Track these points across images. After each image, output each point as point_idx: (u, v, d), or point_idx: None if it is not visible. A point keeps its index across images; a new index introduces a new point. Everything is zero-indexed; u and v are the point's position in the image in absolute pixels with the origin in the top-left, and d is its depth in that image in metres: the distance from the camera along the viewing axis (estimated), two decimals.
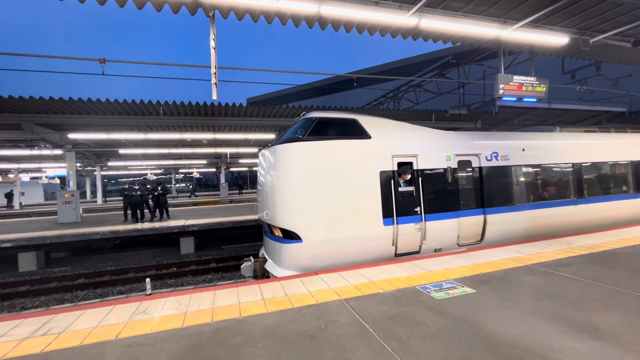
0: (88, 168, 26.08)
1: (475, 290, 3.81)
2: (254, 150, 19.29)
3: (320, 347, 2.70)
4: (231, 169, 34.96)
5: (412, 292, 3.87)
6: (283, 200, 5.33)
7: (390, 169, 5.68)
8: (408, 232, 5.69)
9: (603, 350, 2.50)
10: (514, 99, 7.76)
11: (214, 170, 32.85)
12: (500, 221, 6.50)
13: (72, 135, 12.34)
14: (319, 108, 10.80)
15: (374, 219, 5.47)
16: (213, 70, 5.55)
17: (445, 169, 6.15)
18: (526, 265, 4.72)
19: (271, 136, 14.28)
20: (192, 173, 33.97)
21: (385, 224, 5.52)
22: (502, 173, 6.70)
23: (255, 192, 14.36)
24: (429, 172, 6.00)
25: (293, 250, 5.23)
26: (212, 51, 5.55)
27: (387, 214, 5.54)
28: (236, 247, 11.83)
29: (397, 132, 6.11)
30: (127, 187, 12.36)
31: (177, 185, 39.83)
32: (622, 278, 4.04)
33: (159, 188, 12.63)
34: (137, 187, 12.15)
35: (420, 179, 5.89)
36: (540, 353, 2.50)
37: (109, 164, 24.56)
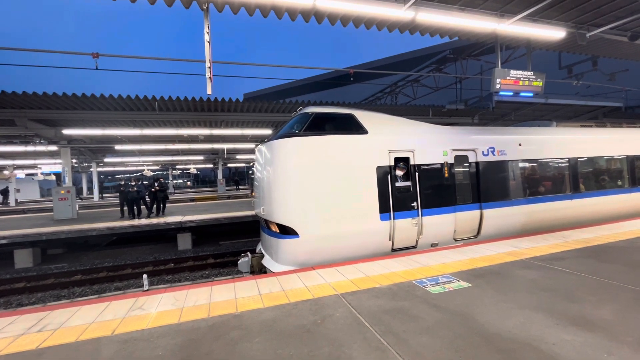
0: (84, 164, 25.92)
1: (471, 285, 3.84)
2: (251, 146, 19.19)
3: (316, 341, 2.71)
4: (228, 165, 34.85)
5: (409, 286, 3.89)
6: (279, 195, 5.32)
7: (387, 164, 5.68)
8: (405, 227, 5.71)
9: (596, 342, 2.53)
10: (511, 93, 7.75)
11: (211, 166, 32.74)
12: (497, 216, 6.53)
13: (66, 131, 12.22)
14: (316, 103, 10.74)
15: (371, 214, 5.48)
16: (207, 64, 5.50)
17: (442, 164, 6.16)
18: (522, 259, 4.75)
19: (268, 132, 14.21)
20: (189, 169, 33.85)
21: (382, 219, 5.53)
22: (499, 168, 6.71)
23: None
24: (425, 167, 6.01)
25: (290, 245, 5.23)
26: (207, 45, 5.49)
27: (383, 209, 5.55)
28: (234, 243, 11.83)
29: (394, 127, 6.10)
30: (122, 183, 12.31)
31: (175, 181, 39.69)
32: (616, 271, 4.08)
33: (156, 184, 12.58)
34: (133, 184, 12.09)
35: (417, 174, 5.89)
36: (534, 345, 2.52)
37: (105, 160, 24.37)
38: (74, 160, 21.59)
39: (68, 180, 13.68)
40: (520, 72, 7.75)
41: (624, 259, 4.57)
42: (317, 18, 6.48)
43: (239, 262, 6.23)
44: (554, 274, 4.10)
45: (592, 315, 2.96)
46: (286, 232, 5.24)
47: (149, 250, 11.41)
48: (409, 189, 5.84)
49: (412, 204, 5.80)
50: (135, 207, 12.12)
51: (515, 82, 7.68)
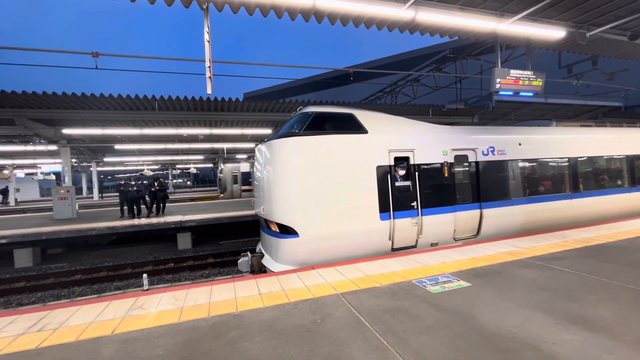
0: (84, 164, 25.88)
1: (471, 284, 3.84)
2: (251, 145, 19.18)
3: (316, 341, 2.71)
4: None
5: (408, 286, 3.89)
6: (279, 195, 5.32)
7: (387, 163, 5.68)
8: (404, 226, 5.71)
9: (596, 342, 2.53)
10: (511, 93, 7.74)
11: (211, 165, 32.73)
12: (497, 215, 6.53)
13: (66, 131, 12.22)
14: (316, 103, 10.73)
15: (371, 214, 5.48)
16: (207, 64, 5.49)
17: (442, 164, 6.16)
18: (521, 259, 4.76)
19: (268, 131, 14.20)
20: (189, 169, 33.83)
21: (382, 218, 5.53)
22: (499, 167, 6.71)
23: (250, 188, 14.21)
24: (425, 166, 6.01)
25: (290, 245, 5.23)
26: (207, 44, 5.48)
27: (383, 208, 5.55)
28: (233, 243, 11.83)
29: (393, 126, 6.09)
30: (123, 182, 12.33)
31: (175, 180, 39.68)
32: (616, 271, 4.08)
33: (156, 184, 12.57)
34: (133, 183, 12.09)
35: (417, 173, 5.89)
36: (534, 345, 2.52)
37: (105, 159, 24.37)
38: (73, 160, 21.57)
39: (68, 180, 13.67)
40: (520, 71, 7.74)
41: (624, 259, 4.57)
42: (317, 17, 6.48)
43: (238, 261, 6.23)
44: (554, 273, 4.11)
45: (592, 315, 2.97)
46: (286, 231, 5.24)
47: (148, 249, 11.41)
48: (409, 189, 5.84)
49: (412, 204, 5.80)
50: (135, 207, 12.11)
51: (515, 81, 7.67)
